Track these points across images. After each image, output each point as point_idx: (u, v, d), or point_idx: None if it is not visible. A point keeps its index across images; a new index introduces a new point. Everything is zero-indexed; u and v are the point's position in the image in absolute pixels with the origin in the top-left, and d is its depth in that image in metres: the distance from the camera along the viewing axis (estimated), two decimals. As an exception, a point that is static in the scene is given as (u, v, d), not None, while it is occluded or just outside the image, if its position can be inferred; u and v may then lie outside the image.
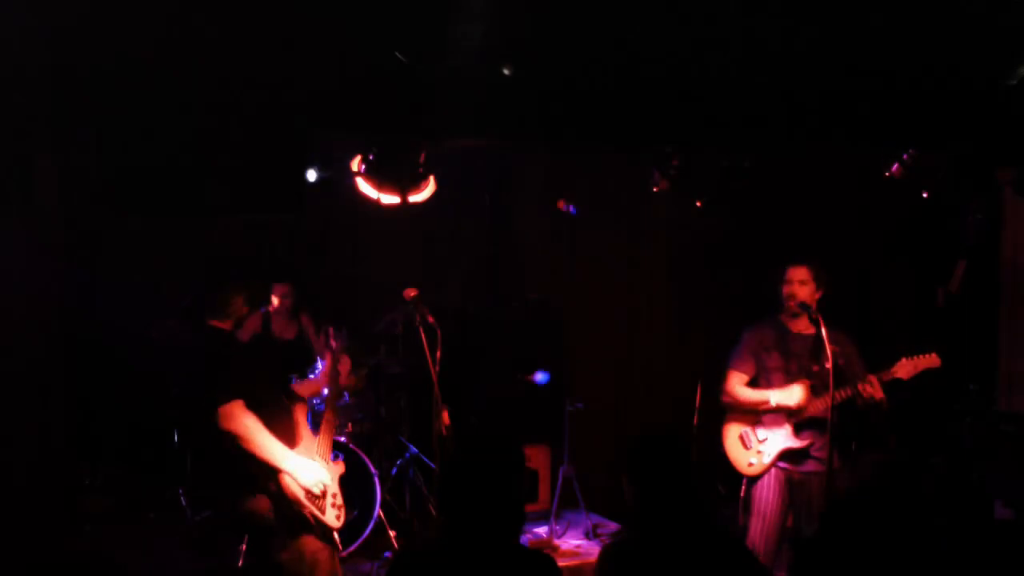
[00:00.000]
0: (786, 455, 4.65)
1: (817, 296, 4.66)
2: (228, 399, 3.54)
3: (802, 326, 4.70)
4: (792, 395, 4.60)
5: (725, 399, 4.83)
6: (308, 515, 3.61)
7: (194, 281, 5.53)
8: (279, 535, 3.60)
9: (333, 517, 3.72)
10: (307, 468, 3.64)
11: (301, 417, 3.86)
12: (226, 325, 3.83)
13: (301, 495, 3.60)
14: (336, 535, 3.78)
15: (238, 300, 3.85)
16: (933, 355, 4.56)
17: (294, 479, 3.59)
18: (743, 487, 4.77)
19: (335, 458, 3.98)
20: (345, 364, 4.23)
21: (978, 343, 6.19)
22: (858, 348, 4.66)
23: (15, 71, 3.85)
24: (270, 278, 5.39)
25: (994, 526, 5.17)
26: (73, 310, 5.37)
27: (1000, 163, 5.93)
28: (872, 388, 4.48)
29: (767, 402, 4.66)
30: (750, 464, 4.72)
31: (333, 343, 4.19)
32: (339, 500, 3.79)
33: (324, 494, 3.67)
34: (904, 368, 4.55)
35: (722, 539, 2.77)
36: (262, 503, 3.59)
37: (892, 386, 4.56)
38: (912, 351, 4.56)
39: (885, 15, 4.03)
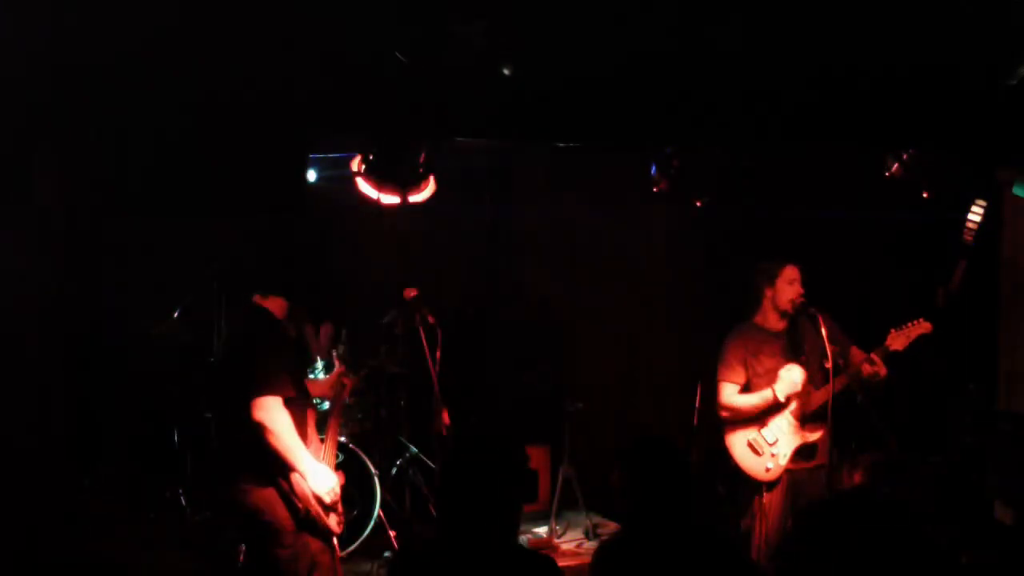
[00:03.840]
0: (796, 452, 4.61)
1: None
2: (269, 391, 3.53)
3: (780, 324, 4.69)
4: (792, 376, 4.51)
5: (724, 413, 4.71)
6: (314, 516, 3.62)
7: (194, 281, 5.54)
8: (281, 532, 3.60)
9: (334, 522, 3.73)
10: (322, 474, 3.65)
11: (311, 419, 3.86)
12: (278, 312, 3.81)
13: (310, 497, 3.61)
14: (335, 540, 3.79)
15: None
16: (921, 320, 4.53)
17: (306, 482, 3.59)
18: (764, 493, 4.62)
19: (338, 468, 3.98)
20: (349, 381, 4.23)
21: (978, 343, 6.18)
22: (840, 326, 4.64)
23: (15, 71, 3.84)
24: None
25: (994, 526, 5.17)
26: (73, 310, 5.36)
27: (1000, 163, 5.92)
28: (874, 366, 4.45)
29: (773, 399, 4.55)
30: (768, 469, 4.60)
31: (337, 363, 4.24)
32: (340, 507, 3.79)
33: (333, 503, 3.67)
34: (897, 339, 4.52)
35: (718, 540, 2.78)
36: (269, 496, 3.59)
37: (892, 377, 4.54)
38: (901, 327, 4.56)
39: (885, 15, 4.03)
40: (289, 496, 3.59)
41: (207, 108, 4.40)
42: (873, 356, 4.47)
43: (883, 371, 4.46)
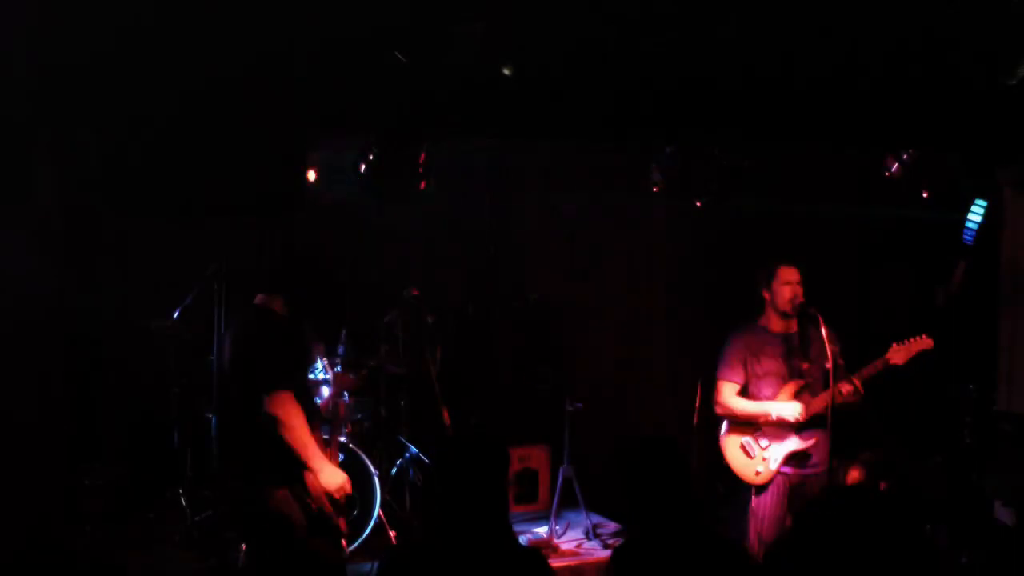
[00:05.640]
0: (790, 458, 4.61)
1: None
2: (284, 387, 3.53)
3: (784, 326, 4.68)
4: (792, 410, 4.55)
5: (720, 411, 4.73)
6: (326, 515, 3.63)
7: (194, 281, 5.53)
8: (295, 533, 3.60)
9: (342, 523, 3.74)
10: (335, 472, 3.66)
11: (316, 422, 3.87)
12: (283, 312, 3.82)
13: (322, 494, 3.61)
14: (343, 540, 3.79)
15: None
16: (924, 337, 4.54)
17: (319, 479, 3.60)
18: (752, 497, 4.64)
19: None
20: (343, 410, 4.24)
21: (978, 343, 6.18)
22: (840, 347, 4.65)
23: (14, 71, 3.84)
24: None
25: (994, 526, 5.17)
26: (73, 310, 5.36)
27: (1000, 163, 5.93)
28: (846, 393, 4.46)
29: (768, 415, 4.58)
30: (757, 473, 4.61)
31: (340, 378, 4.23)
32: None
33: (342, 500, 3.68)
34: (898, 353, 4.52)
35: (723, 542, 2.78)
36: (282, 497, 3.59)
37: (892, 377, 4.54)
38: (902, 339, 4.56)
39: (885, 14, 4.03)
40: (302, 496, 3.59)
41: (207, 108, 4.40)
42: (855, 379, 4.48)
43: (861, 390, 4.48)
